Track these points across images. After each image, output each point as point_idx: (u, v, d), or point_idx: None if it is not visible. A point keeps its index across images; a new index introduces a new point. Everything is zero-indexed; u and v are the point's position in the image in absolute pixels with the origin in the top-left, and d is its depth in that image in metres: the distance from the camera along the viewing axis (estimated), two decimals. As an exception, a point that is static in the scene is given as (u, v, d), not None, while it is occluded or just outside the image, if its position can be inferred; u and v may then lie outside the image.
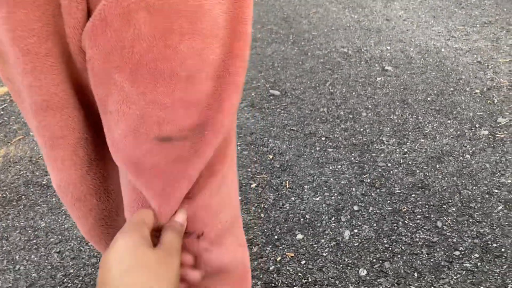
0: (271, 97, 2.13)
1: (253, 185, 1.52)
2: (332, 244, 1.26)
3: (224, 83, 0.44)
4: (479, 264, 1.17)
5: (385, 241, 1.26)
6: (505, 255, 1.19)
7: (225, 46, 0.43)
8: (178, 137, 0.43)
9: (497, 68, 2.23)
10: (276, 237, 1.30)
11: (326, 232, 1.30)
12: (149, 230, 0.45)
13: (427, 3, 3.25)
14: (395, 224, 1.32)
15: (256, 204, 1.43)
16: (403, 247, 1.23)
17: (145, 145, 0.43)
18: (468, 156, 1.60)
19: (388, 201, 1.41)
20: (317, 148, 1.71)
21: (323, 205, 1.41)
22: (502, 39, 2.56)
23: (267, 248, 1.28)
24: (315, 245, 1.26)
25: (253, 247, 1.29)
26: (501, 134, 1.71)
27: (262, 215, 1.38)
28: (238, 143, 1.77)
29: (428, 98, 2.00)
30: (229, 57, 0.44)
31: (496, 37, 2.60)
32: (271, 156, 1.67)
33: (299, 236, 1.29)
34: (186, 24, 0.39)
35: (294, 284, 1.16)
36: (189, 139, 0.44)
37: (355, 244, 1.25)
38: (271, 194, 1.47)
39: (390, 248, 1.23)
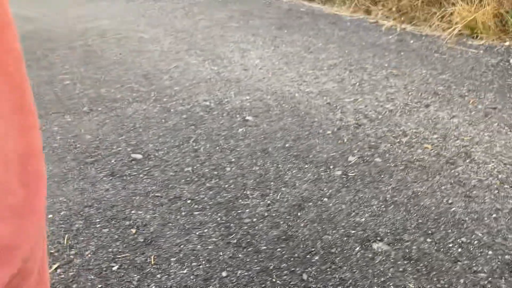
0: (133, 161, 2.03)
1: (115, 268, 1.40)
2: (201, 321, 1.20)
3: None
4: (343, 311, 1.20)
5: (254, 306, 1.23)
6: (365, 297, 1.24)
7: None
8: None
9: (344, 108, 2.43)
10: (140, 326, 1.20)
11: (195, 308, 1.24)
12: None
13: (280, 50, 3.48)
14: (263, 285, 1.31)
15: (118, 290, 1.32)
16: (272, 310, 1.22)
17: None
18: (326, 199, 1.68)
19: (256, 260, 1.40)
20: (183, 213, 1.65)
21: (191, 277, 1.35)
22: (346, 80, 2.82)
23: None
24: (183, 326, 1.18)
25: None
26: (352, 173, 1.84)
27: (125, 302, 1.27)
28: (97, 220, 1.64)
29: (286, 145, 2.09)
30: None
31: (341, 78, 2.85)
32: (134, 231, 1.57)
33: (166, 319, 1.21)
34: None
35: None
36: None
37: (225, 316, 1.21)
38: (135, 275, 1.37)
39: (259, 314, 1.21)
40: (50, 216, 1.68)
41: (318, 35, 3.84)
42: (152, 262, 1.42)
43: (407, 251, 1.40)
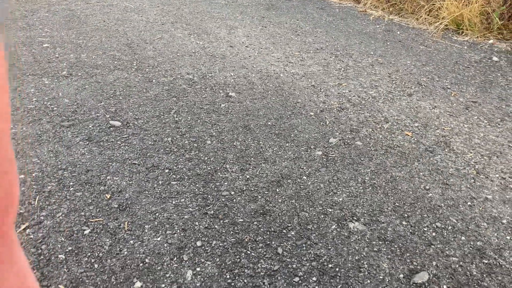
0: (111, 128, 1.98)
1: (87, 231, 1.37)
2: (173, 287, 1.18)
3: None
4: (316, 287, 1.20)
5: (228, 276, 1.22)
6: (339, 275, 1.24)
7: None
8: None
9: (328, 91, 2.42)
10: (111, 289, 1.17)
11: (167, 275, 1.22)
12: None
13: (268, 31, 3.43)
14: (237, 256, 1.29)
15: (89, 254, 1.28)
16: (245, 280, 1.21)
17: None
18: (304, 177, 1.67)
19: (231, 232, 1.39)
20: (160, 182, 1.62)
21: (165, 245, 1.33)
22: (331, 64, 2.81)
23: (101, 304, 1.14)
24: (155, 292, 1.16)
25: (85, 305, 1.14)
26: (333, 154, 1.84)
27: (96, 266, 1.24)
28: (71, 183, 1.59)
29: (269, 123, 2.08)
30: None
31: (327, 62, 2.84)
32: (108, 196, 1.53)
33: (138, 284, 1.18)
34: None
35: None
36: None
37: (197, 284, 1.19)
38: (107, 240, 1.34)
39: (232, 284, 1.20)
40: (22, 176, 1.62)
41: (306, 19, 3.81)
42: (126, 228, 1.39)
43: (383, 232, 1.41)
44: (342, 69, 2.74)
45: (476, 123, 2.11)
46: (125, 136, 1.92)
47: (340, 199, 1.56)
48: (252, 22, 3.64)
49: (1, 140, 0.36)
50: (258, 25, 3.56)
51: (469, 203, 1.55)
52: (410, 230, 1.42)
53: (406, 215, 1.49)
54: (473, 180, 1.68)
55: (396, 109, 2.24)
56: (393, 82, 2.57)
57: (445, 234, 1.41)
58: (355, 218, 1.47)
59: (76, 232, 1.37)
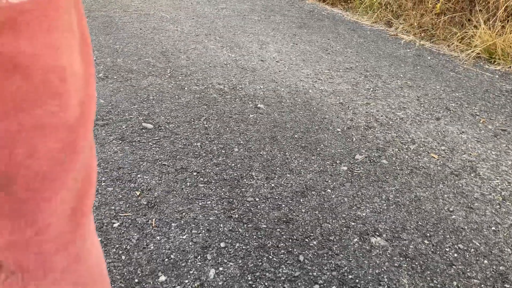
0: (143, 130, 2.05)
1: (116, 225, 1.42)
2: (196, 284, 1.21)
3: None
4: (336, 295, 1.22)
5: (249, 278, 1.25)
6: (359, 286, 1.26)
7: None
8: None
9: (356, 110, 2.45)
10: (136, 280, 1.21)
11: (191, 272, 1.25)
12: None
13: (298, 48, 3.50)
14: (259, 260, 1.32)
15: (117, 246, 1.33)
16: (266, 283, 1.24)
17: None
18: (329, 190, 1.70)
19: (255, 237, 1.42)
20: (188, 184, 1.67)
21: (190, 243, 1.37)
22: (360, 84, 2.84)
23: (126, 293, 1.18)
24: (178, 286, 1.20)
25: (111, 293, 1.18)
26: (358, 170, 1.86)
27: (123, 257, 1.29)
28: (103, 178, 1.65)
29: (295, 135, 2.11)
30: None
31: (356, 82, 2.87)
32: (138, 193, 1.58)
33: (162, 278, 1.22)
34: None
35: (153, 331, 1.08)
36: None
37: (220, 283, 1.22)
38: (135, 234, 1.38)
39: (253, 286, 1.22)
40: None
41: (337, 39, 3.86)
42: (153, 225, 1.43)
43: (404, 249, 1.42)
44: (371, 89, 2.77)
45: (504, 150, 2.10)
46: (157, 138, 1.99)
47: (364, 214, 1.57)
48: (284, 39, 3.71)
49: (89, 107, 0.40)
50: (289, 42, 3.63)
51: (493, 228, 1.55)
52: (432, 249, 1.43)
53: (428, 234, 1.50)
54: (498, 206, 1.67)
55: (424, 131, 2.25)
56: (422, 105, 2.58)
57: (467, 256, 1.41)
58: (377, 233, 1.48)
59: (106, 224, 1.42)
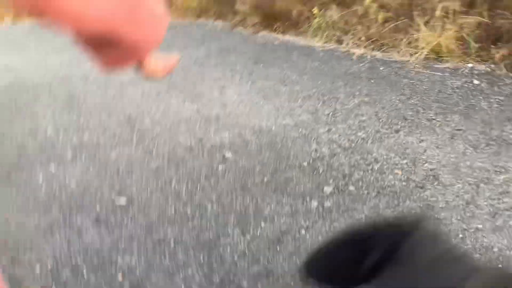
0: (117, 207, 2.10)
1: (102, 315, 1.45)
2: None
3: None
4: None
5: None
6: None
7: None
8: None
9: (319, 139, 2.54)
10: None
11: None
12: None
13: (257, 85, 3.60)
14: (245, 321, 1.36)
15: (106, 338, 1.36)
16: None
17: None
18: (303, 231, 1.76)
19: (238, 297, 1.47)
20: (167, 256, 1.71)
21: (176, 318, 1.41)
22: (320, 110, 2.94)
23: None
24: None
25: None
26: (328, 203, 1.93)
27: None
28: (84, 269, 1.69)
29: (265, 179, 2.18)
30: None
31: (315, 109, 2.97)
32: (120, 278, 1.62)
33: None
34: None
35: None
36: None
37: None
38: (122, 321, 1.42)
39: None
40: (38, 267, 1.73)
41: (292, 67, 3.99)
42: (138, 307, 1.47)
43: (381, 277, 1.48)
44: (331, 113, 2.87)
45: (462, 151, 2.19)
46: (131, 214, 2.03)
47: (338, 249, 1.63)
48: (242, 79, 3.82)
49: None
50: (247, 81, 3.74)
51: (460, 235, 1.62)
52: (407, 271, 1.48)
53: (401, 256, 1.56)
54: (463, 212, 1.75)
55: (385, 147, 2.34)
56: (380, 120, 2.68)
57: (441, 270, 1.47)
58: (353, 266, 1.54)
59: (92, 317, 1.45)
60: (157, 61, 0.52)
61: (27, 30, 6.61)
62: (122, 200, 2.14)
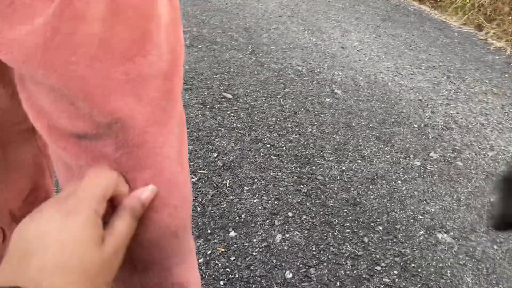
0: (223, 99, 2.14)
1: (194, 179, 1.51)
2: (263, 245, 1.28)
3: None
4: (396, 280, 1.24)
5: (314, 249, 1.29)
6: (421, 275, 1.27)
7: None
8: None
9: (435, 109, 2.40)
10: (209, 231, 1.30)
11: (259, 233, 1.32)
12: (104, 205, 0.32)
13: (381, 40, 3.44)
14: (324, 234, 1.36)
15: (194, 198, 1.42)
16: (329, 256, 1.28)
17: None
18: (399, 182, 1.69)
19: (321, 212, 1.46)
20: (261, 154, 1.73)
21: (260, 207, 1.43)
22: (442, 84, 2.76)
23: (199, 241, 1.27)
24: (247, 243, 1.27)
25: (185, 239, 1.28)
26: (431, 167, 1.83)
27: (199, 209, 1.38)
28: (184, 137, 1.76)
29: (370, 125, 2.11)
30: None
31: (438, 81, 2.79)
32: (215, 155, 1.67)
33: (232, 234, 1.30)
34: None
35: (221, 278, 1.16)
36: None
37: (285, 248, 1.28)
38: (210, 190, 1.47)
39: (317, 256, 1.27)
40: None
41: (422, 36, 3.75)
42: (227, 185, 1.51)
43: (471, 249, 1.40)
44: (453, 90, 2.69)
45: None
46: (235, 108, 2.07)
47: (433, 210, 1.56)
48: (367, 29, 3.66)
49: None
50: (372, 33, 3.57)
51: None
52: (501, 256, 1.40)
53: (498, 240, 1.46)
54: None
55: (505, 140, 2.16)
56: (506, 114, 2.47)
57: (538, 268, 1.37)
58: (444, 230, 1.47)
59: (184, 178, 1.52)
60: None
61: None
62: (229, 95, 2.18)
